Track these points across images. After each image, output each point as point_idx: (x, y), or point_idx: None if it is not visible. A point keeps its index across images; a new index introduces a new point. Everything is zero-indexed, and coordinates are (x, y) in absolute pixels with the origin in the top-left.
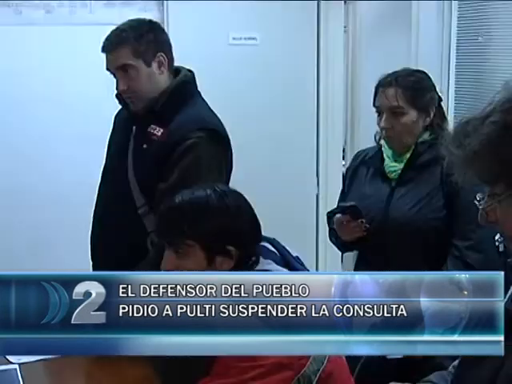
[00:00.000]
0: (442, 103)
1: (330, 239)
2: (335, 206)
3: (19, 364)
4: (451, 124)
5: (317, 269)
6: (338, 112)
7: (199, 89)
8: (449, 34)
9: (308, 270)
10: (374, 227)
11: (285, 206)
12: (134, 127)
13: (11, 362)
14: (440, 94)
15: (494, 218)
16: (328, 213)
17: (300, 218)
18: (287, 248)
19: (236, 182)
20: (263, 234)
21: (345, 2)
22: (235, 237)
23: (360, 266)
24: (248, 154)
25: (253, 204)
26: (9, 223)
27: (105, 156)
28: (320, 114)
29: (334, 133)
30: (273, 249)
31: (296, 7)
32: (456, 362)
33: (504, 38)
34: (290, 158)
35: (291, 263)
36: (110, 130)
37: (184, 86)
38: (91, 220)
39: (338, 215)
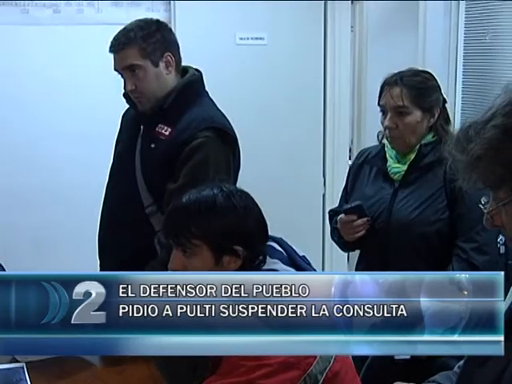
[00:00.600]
0: (447, 104)
1: (332, 238)
2: (337, 205)
3: (26, 362)
4: (455, 125)
5: (323, 268)
6: (344, 111)
7: (206, 89)
8: (456, 33)
9: (315, 270)
10: (376, 228)
11: (291, 205)
12: (142, 127)
13: (18, 361)
14: (445, 96)
15: (499, 221)
16: (330, 211)
17: (307, 218)
18: (294, 247)
19: (243, 181)
20: (270, 233)
21: (352, 2)
22: (242, 236)
23: (361, 266)
24: (255, 153)
25: (260, 204)
26: (12, 223)
27: (112, 155)
28: (327, 113)
29: (341, 132)
30: (279, 248)
31: (303, 7)
32: (461, 363)
33: (511, 37)
34: (296, 158)
35: (298, 262)
36: (118, 130)
37: (191, 85)
38: (98, 219)
39: (343, 215)
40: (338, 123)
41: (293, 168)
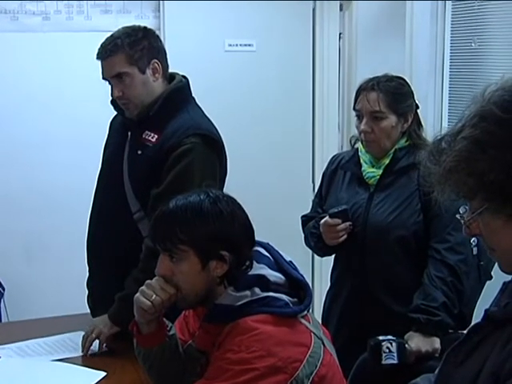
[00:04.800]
0: (419, 110)
1: (307, 243)
2: (309, 211)
3: None
4: (444, 127)
5: (312, 274)
6: (333, 117)
7: (196, 95)
8: (442, 35)
9: (302, 275)
10: (354, 232)
11: (280, 211)
12: (129, 133)
13: None
14: (417, 102)
15: (477, 231)
16: (302, 216)
17: (295, 224)
18: (281, 252)
19: (232, 186)
20: (258, 238)
21: (341, 9)
22: (229, 242)
23: (338, 270)
24: (244, 159)
25: (248, 209)
26: (3, 229)
27: (100, 161)
28: (316, 119)
29: (330, 138)
30: (266, 253)
31: (291, 13)
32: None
33: (497, 37)
34: (285, 163)
35: (285, 267)
36: (106, 136)
37: (178, 91)
38: (87, 225)
39: (327, 218)
40: (328, 129)
41: (282, 173)
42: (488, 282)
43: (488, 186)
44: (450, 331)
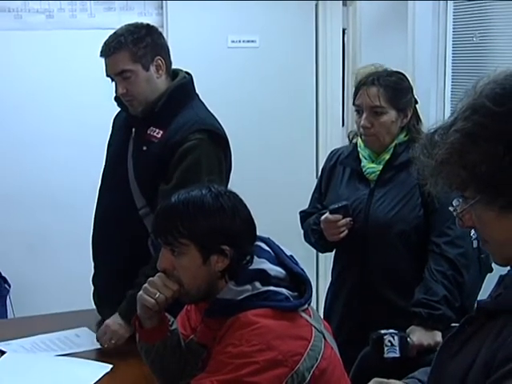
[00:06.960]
0: (418, 105)
1: (307, 239)
2: (307, 206)
3: None
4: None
5: (317, 269)
6: (337, 113)
7: (199, 92)
8: (444, 33)
9: (302, 269)
10: (355, 228)
11: (284, 206)
12: (134, 129)
13: None
14: (417, 97)
15: (470, 222)
16: (301, 212)
17: (298, 219)
18: (281, 247)
19: (235, 182)
20: (262, 234)
21: (344, 4)
22: (230, 236)
23: (339, 265)
24: (247, 155)
25: (251, 205)
26: (6, 228)
27: (104, 158)
28: (319, 115)
29: (333, 134)
30: (267, 248)
31: (294, 10)
32: None
33: (499, 36)
34: (289, 160)
35: (285, 262)
36: (109, 133)
37: (182, 88)
38: (92, 221)
39: (328, 214)
40: (331, 124)
41: (285, 169)
42: (489, 275)
43: (480, 177)
44: (453, 325)
